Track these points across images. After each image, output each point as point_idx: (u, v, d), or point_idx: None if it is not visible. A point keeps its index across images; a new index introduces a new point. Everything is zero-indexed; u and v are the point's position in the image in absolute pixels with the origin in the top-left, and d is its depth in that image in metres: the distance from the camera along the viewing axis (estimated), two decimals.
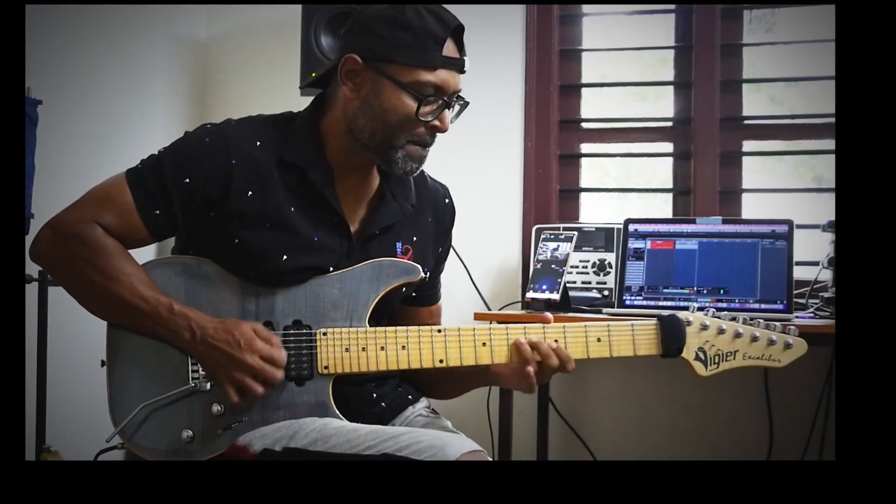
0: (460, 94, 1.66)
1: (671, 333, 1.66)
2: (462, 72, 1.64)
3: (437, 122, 1.63)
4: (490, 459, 1.54)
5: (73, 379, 2.64)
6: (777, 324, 1.69)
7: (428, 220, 1.81)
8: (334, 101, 1.67)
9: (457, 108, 1.67)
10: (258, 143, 1.64)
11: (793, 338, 1.67)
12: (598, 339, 1.66)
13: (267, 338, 1.59)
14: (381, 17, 1.61)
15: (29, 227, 2.32)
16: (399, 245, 1.74)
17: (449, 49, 1.61)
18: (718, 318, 1.68)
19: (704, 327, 1.67)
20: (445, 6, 1.64)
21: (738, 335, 1.67)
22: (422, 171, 1.79)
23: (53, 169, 2.60)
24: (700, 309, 1.70)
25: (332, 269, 1.66)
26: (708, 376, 1.67)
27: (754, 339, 1.67)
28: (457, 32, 1.62)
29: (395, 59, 1.59)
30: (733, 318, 1.68)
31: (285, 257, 1.62)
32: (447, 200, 1.87)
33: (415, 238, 1.77)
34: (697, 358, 1.66)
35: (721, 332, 1.67)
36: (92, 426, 2.04)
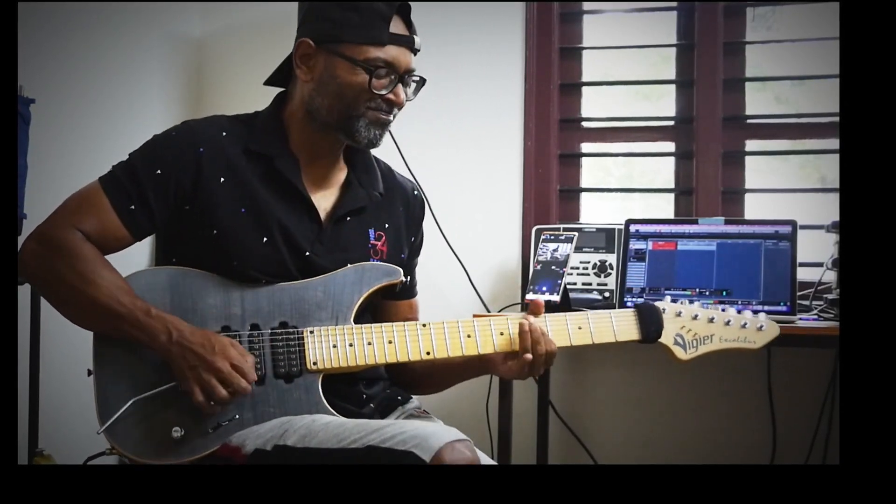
0: (414, 71, 1.71)
1: (649, 318, 1.75)
2: (412, 49, 1.70)
3: (391, 96, 1.68)
4: (476, 450, 1.53)
5: (66, 382, 2.62)
6: (748, 311, 1.79)
7: (399, 209, 1.85)
8: (294, 91, 1.74)
9: (413, 85, 1.73)
10: (224, 134, 1.70)
11: (764, 320, 1.78)
12: (579, 328, 1.73)
13: (242, 353, 1.60)
14: (330, 1, 1.68)
15: (22, 227, 2.31)
16: (372, 232, 1.78)
17: (397, 27, 1.68)
18: (690, 305, 1.78)
19: (679, 314, 1.77)
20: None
21: (711, 320, 1.77)
22: (389, 166, 1.87)
23: (46, 169, 2.58)
24: (672, 301, 1.79)
25: (307, 252, 1.68)
26: (689, 360, 1.76)
27: (727, 322, 1.77)
28: (402, 10, 1.69)
29: (344, 38, 1.66)
30: (704, 305, 1.80)
31: (265, 239, 1.65)
32: (416, 192, 1.92)
33: (387, 225, 1.81)
34: (676, 343, 1.76)
35: (695, 317, 1.77)
36: (85, 430, 2.02)
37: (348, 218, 1.75)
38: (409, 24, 1.70)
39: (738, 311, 1.79)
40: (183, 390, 1.58)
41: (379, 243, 1.78)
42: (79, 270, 1.60)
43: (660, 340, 1.75)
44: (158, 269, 1.70)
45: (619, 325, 1.74)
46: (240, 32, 3.36)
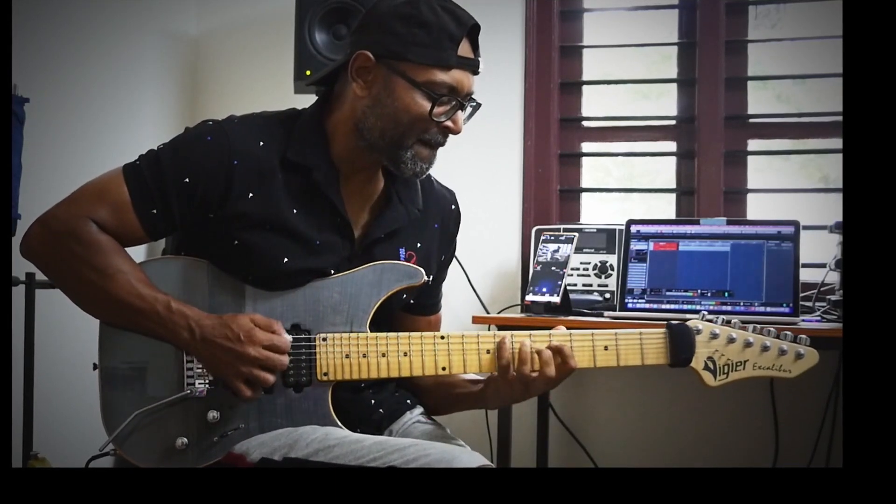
0: (473, 95, 1.63)
1: (680, 342, 1.63)
2: (476, 73, 1.61)
3: (449, 124, 1.60)
4: None
5: (61, 384, 2.61)
6: (788, 333, 1.65)
7: (434, 227, 1.78)
8: (343, 99, 1.64)
9: (469, 109, 1.64)
10: (261, 143, 1.61)
11: (804, 348, 1.64)
12: (605, 348, 1.63)
13: (267, 325, 1.55)
14: (395, 13, 1.58)
15: (15, 228, 2.30)
16: (402, 251, 1.71)
17: (464, 49, 1.58)
18: (728, 326, 1.65)
19: (714, 336, 1.64)
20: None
21: (748, 344, 1.63)
22: (429, 175, 1.76)
23: (41, 168, 2.57)
24: (708, 318, 1.66)
25: (332, 272, 1.62)
26: (717, 386, 1.64)
27: (765, 348, 1.64)
28: (472, 32, 1.59)
29: (408, 57, 1.56)
30: (743, 327, 1.65)
31: (286, 259, 1.59)
32: (453, 207, 1.84)
33: (419, 244, 1.74)
34: (706, 367, 1.63)
35: (731, 340, 1.64)
36: (81, 432, 2.01)
37: (382, 237, 1.68)
38: (475, 47, 1.60)
39: (778, 335, 1.65)
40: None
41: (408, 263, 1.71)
42: (95, 263, 1.55)
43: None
44: (169, 258, 1.66)
45: (648, 348, 1.63)
46: (236, 30, 3.35)
